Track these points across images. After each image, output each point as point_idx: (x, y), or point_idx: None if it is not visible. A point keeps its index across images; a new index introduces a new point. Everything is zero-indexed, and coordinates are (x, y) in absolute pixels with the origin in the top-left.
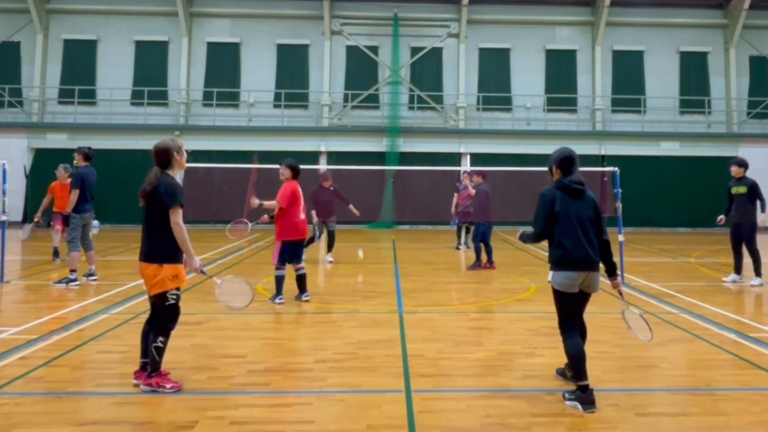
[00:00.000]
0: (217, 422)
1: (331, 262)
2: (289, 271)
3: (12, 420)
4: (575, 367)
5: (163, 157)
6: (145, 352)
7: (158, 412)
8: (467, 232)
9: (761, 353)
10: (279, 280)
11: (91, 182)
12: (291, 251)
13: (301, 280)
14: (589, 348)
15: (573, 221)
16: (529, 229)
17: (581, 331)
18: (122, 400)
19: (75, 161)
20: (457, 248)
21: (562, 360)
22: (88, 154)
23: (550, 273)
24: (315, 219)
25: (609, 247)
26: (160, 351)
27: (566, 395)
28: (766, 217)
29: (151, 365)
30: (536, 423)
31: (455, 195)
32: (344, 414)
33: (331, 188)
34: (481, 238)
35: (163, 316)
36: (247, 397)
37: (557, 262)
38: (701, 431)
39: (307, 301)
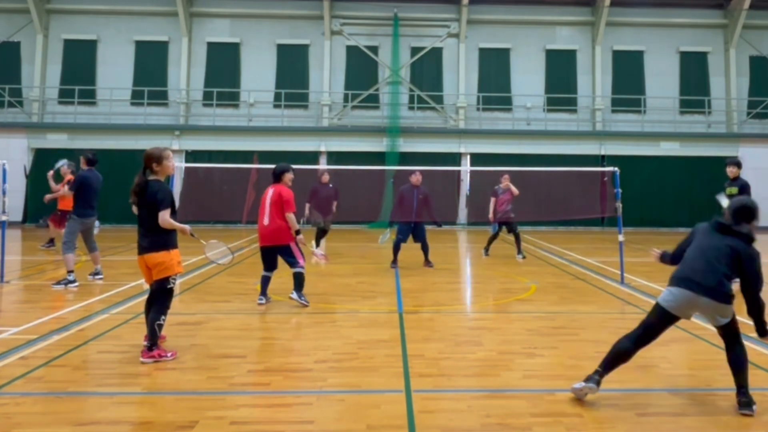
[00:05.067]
0: (217, 422)
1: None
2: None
3: (12, 420)
4: (610, 359)
5: (146, 162)
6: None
7: (158, 412)
8: (516, 236)
9: (761, 353)
10: (261, 281)
11: (95, 187)
12: (263, 256)
13: (295, 278)
14: (589, 348)
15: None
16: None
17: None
18: (122, 400)
19: (80, 164)
20: (485, 254)
21: (561, 360)
22: (91, 159)
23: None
24: (307, 213)
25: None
26: (161, 327)
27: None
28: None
29: (151, 341)
30: (536, 423)
31: (492, 199)
32: (344, 414)
33: (330, 185)
34: (420, 240)
35: (166, 299)
36: (247, 397)
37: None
38: (701, 431)
39: (291, 298)
